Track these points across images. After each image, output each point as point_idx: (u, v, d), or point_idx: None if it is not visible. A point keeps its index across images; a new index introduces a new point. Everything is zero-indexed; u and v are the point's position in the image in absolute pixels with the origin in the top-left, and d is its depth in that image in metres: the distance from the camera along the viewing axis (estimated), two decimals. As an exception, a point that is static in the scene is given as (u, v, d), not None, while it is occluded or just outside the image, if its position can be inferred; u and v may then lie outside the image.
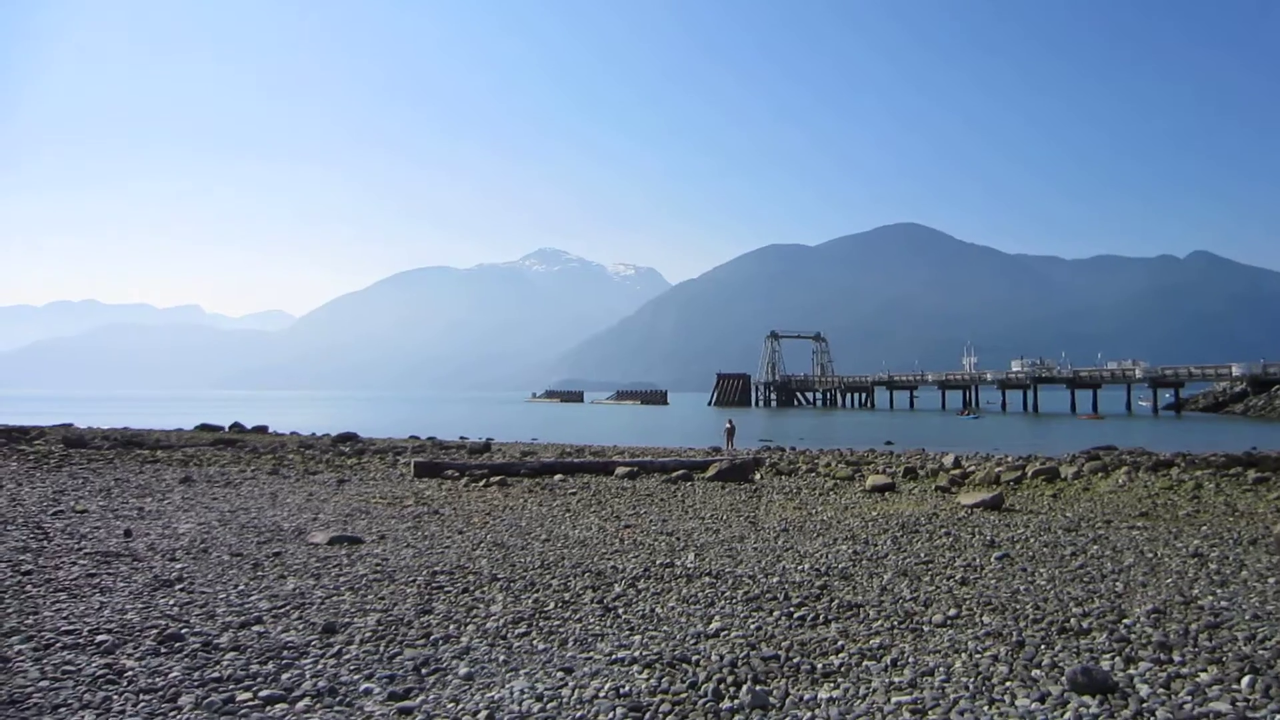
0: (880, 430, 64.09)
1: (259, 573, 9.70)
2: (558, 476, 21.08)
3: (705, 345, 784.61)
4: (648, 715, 6.45)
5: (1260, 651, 7.16)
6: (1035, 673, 7.07)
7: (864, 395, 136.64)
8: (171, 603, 8.29)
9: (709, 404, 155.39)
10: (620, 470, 21.85)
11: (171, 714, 6.10)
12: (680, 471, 21.53)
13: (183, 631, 7.42)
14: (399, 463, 26.01)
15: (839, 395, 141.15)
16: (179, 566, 9.80)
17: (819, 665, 7.23)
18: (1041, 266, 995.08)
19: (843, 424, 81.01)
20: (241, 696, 6.41)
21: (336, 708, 6.46)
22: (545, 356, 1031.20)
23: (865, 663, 7.28)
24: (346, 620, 8.09)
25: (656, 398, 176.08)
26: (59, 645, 7.03)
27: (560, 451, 34.91)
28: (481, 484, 19.39)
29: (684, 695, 6.71)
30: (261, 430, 43.61)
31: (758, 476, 21.90)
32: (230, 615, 8.01)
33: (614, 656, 7.37)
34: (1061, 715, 6.42)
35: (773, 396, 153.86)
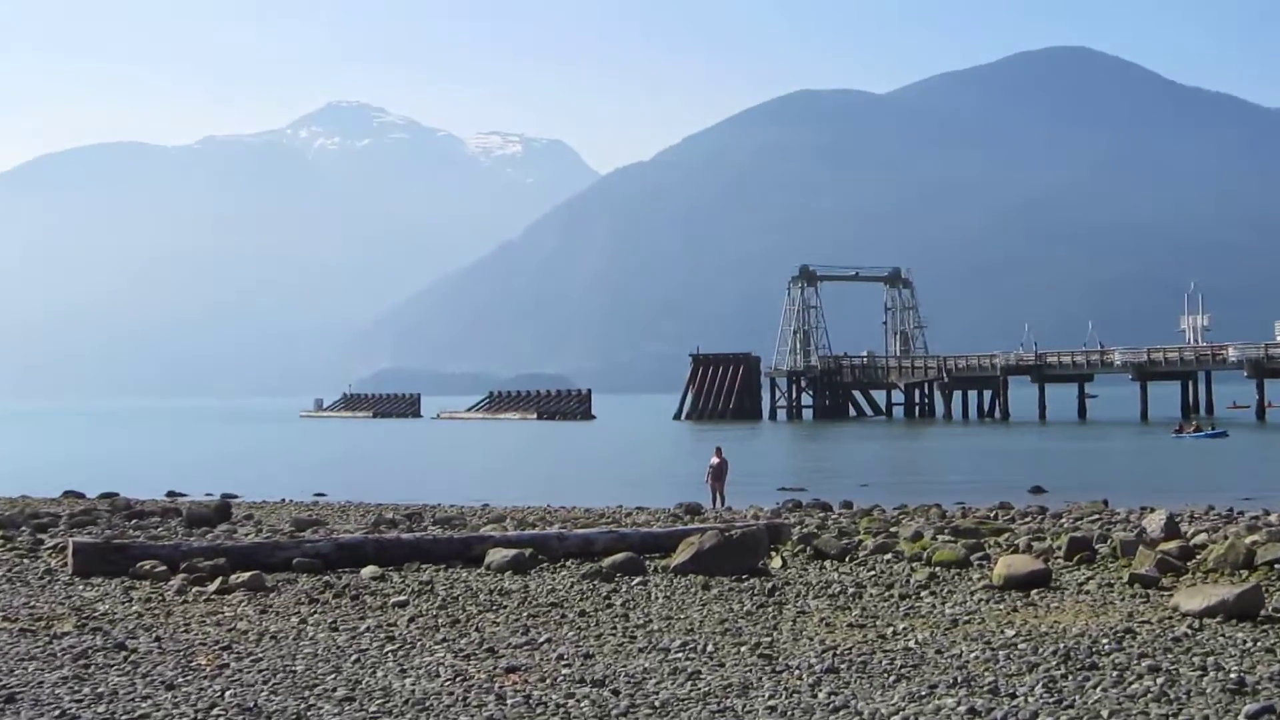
0: (1019, 465, 65.22)
1: None
2: (369, 570, 20.99)
3: (666, 296, 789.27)
4: None
5: None
6: None
7: (988, 394, 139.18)
8: None
9: (676, 417, 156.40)
10: (498, 556, 21.83)
11: None
12: (620, 555, 21.66)
13: None
14: (43, 548, 25.67)
15: (937, 394, 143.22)
16: None
17: None
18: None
19: (945, 453, 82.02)
20: None
21: None
22: (343, 322, 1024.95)
23: None
24: None
25: (570, 405, 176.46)
26: None
27: (375, 520, 34.84)
28: (214, 586, 19.19)
29: None
30: None
31: (776, 563, 22.07)
32: None
33: None
34: None
35: (805, 399, 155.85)
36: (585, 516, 35.91)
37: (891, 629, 15.56)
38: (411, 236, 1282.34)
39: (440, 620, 16.67)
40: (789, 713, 11.49)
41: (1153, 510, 30.08)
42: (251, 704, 11.99)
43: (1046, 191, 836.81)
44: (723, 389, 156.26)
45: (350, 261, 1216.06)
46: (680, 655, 14.16)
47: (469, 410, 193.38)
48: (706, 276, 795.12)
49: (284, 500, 46.14)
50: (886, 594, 18.51)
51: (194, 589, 19.36)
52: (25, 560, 23.44)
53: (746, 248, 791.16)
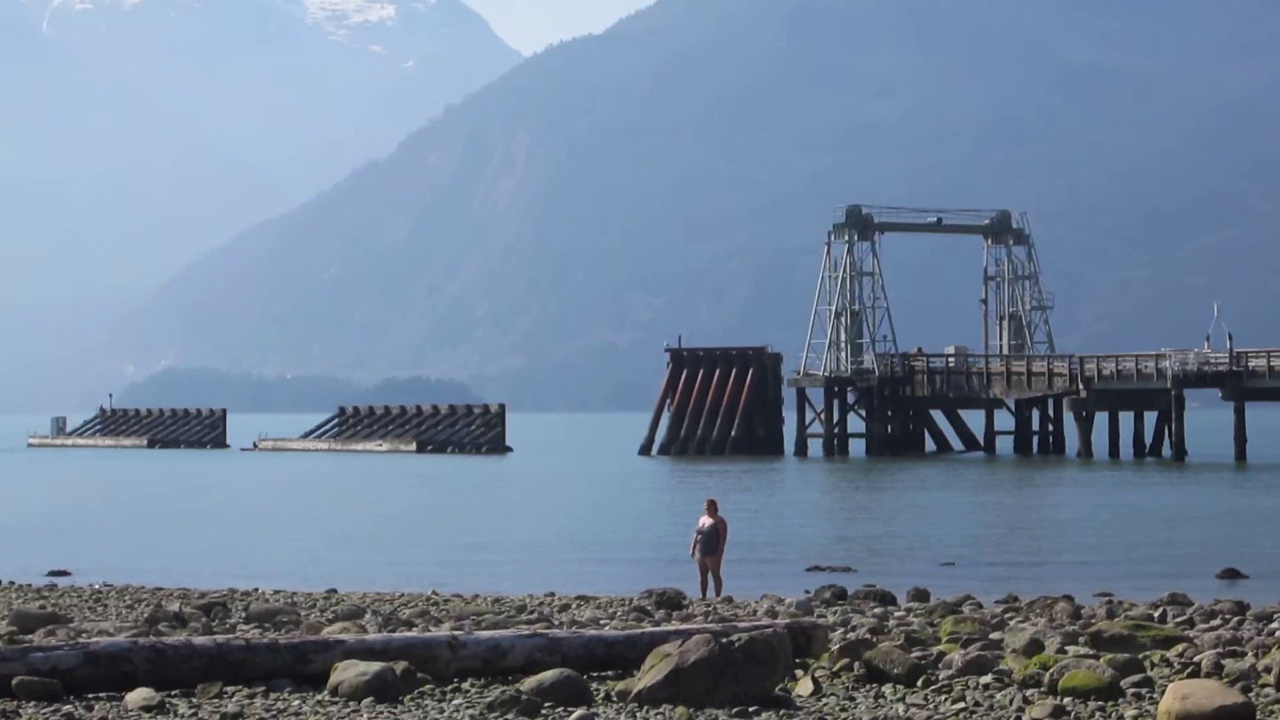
0: (1201, 534, 65.57)
1: None
2: (139, 696, 20.82)
3: (629, 256, 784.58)
4: None
5: None
6: None
7: (1150, 418, 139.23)
8: None
9: (645, 450, 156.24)
10: (351, 673, 21.67)
11: None
12: (550, 674, 21.52)
13: None
14: None
15: (1069, 418, 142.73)
16: None
17: None
18: None
19: (1081, 513, 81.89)
20: None
21: None
22: (103, 295, 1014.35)
23: None
24: None
25: (472, 430, 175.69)
26: None
27: (152, 615, 34.70)
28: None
29: None
30: None
31: (804, 686, 21.98)
32: None
33: None
34: None
35: (854, 423, 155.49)
36: (494, 610, 35.89)
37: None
38: (214, 157, 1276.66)
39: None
40: None
41: None
42: None
43: (1250, 93, 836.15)
44: (720, 406, 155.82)
45: (114, 198, 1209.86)
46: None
47: (306, 437, 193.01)
48: (696, 225, 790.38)
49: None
50: (984, 740, 18.51)
51: None
52: None
53: (761, 178, 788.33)
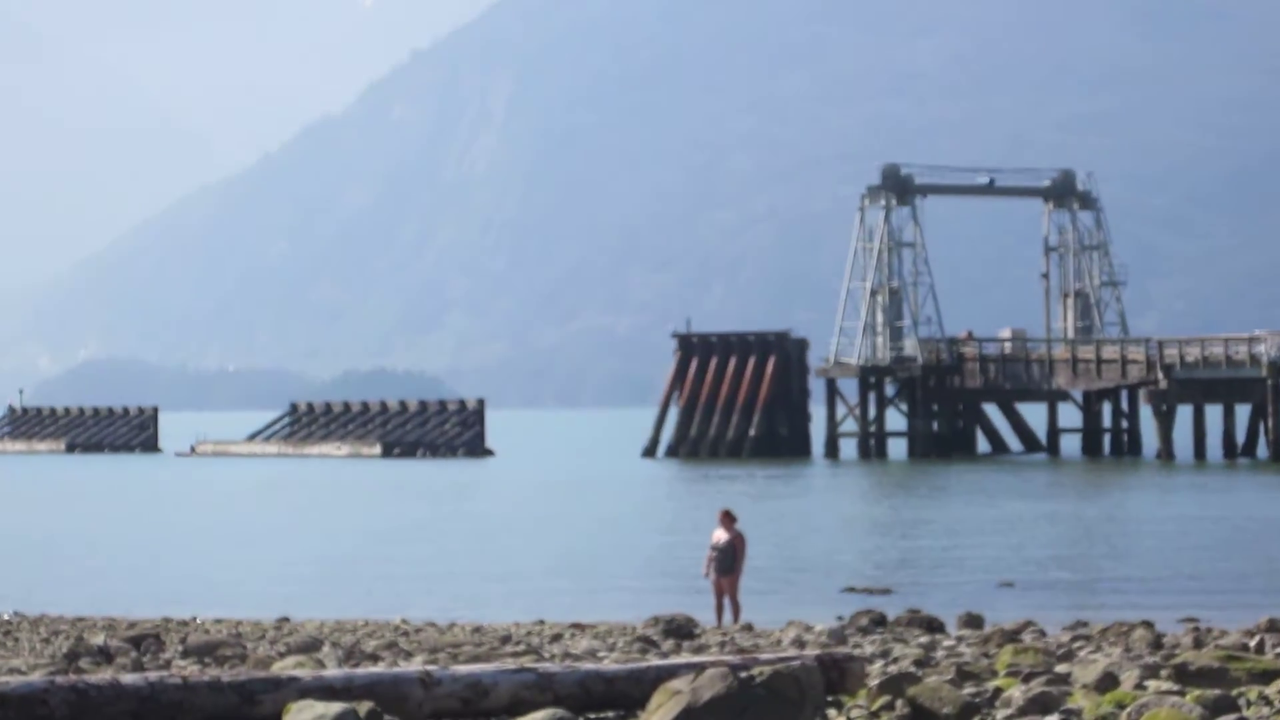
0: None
1: None
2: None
3: (626, 224, 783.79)
4: None
5: None
6: None
7: (1242, 412, 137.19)
8: None
9: (649, 452, 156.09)
10: (307, 715, 21.59)
11: None
12: (541, 715, 21.35)
13: None
14: None
15: (1146, 412, 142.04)
16: None
17: None
18: None
19: (1161, 525, 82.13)
20: None
21: None
22: (13, 274, 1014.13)
23: None
24: None
25: (446, 430, 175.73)
26: None
27: (72, 648, 34.55)
28: None
29: None
30: None
31: (841, 730, 21.99)
32: None
33: None
34: None
35: (894, 420, 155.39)
36: (474, 640, 35.92)
37: None
38: (140, 112, 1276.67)
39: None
40: None
41: None
42: None
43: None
44: (736, 401, 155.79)
45: (22, 161, 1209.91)
46: None
47: (252, 439, 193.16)
48: (707, 189, 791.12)
49: None
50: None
51: None
52: None
53: (783, 134, 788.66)
